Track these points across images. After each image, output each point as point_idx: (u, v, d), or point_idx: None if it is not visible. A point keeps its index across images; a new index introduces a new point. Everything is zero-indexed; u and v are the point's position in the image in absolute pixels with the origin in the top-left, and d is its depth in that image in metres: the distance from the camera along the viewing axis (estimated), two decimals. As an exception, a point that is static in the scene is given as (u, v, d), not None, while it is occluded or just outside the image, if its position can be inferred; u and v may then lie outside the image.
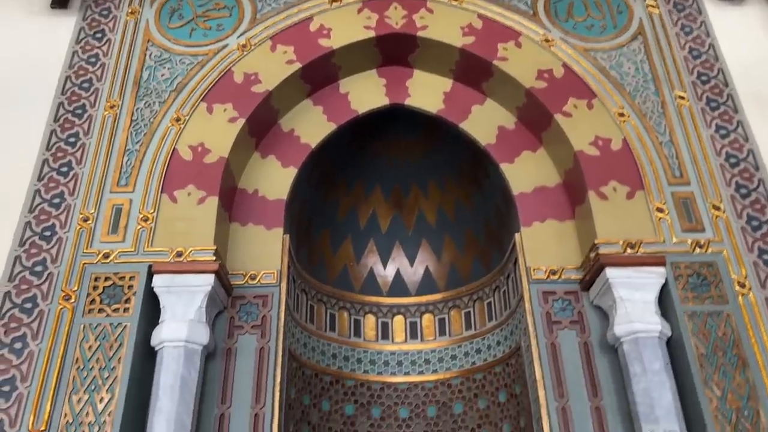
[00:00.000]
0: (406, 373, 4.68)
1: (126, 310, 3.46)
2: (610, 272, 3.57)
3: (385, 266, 5.08)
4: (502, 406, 4.25)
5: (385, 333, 4.84)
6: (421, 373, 4.67)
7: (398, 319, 4.89)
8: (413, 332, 4.83)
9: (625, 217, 3.77)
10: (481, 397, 4.40)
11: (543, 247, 3.98)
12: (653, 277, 3.58)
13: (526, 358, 3.90)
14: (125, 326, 3.41)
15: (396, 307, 4.92)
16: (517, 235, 4.06)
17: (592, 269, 3.68)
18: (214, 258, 3.63)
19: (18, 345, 3.33)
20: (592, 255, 3.69)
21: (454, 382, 4.56)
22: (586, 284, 3.79)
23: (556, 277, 3.88)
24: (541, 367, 3.63)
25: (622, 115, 4.14)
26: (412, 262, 5.06)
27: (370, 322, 4.86)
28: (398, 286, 5.01)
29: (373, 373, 4.67)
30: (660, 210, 3.81)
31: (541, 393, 3.57)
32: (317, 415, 4.32)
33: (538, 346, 3.69)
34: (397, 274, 5.05)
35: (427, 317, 4.86)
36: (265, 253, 4.03)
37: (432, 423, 4.51)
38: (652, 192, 3.87)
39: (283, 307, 3.88)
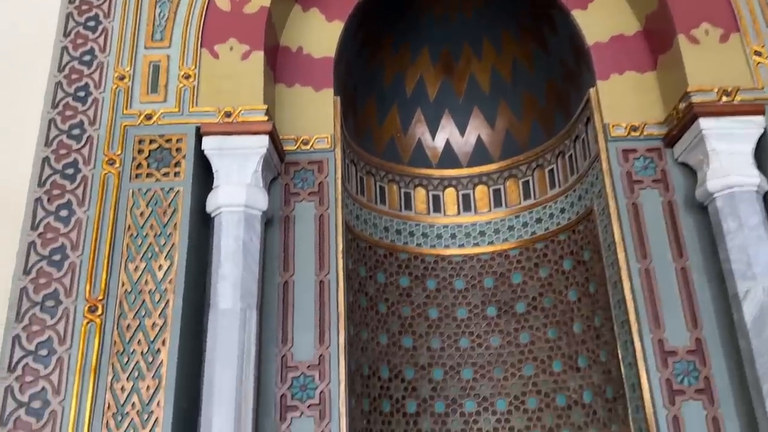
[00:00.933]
0: (461, 246, 4.49)
1: (177, 174, 3.19)
2: (704, 123, 3.24)
3: (433, 137, 4.74)
4: (567, 274, 4.07)
5: (436, 206, 4.59)
6: (476, 245, 4.47)
7: (450, 192, 4.63)
8: (466, 204, 4.59)
9: (719, 63, 3.38)
10: (543, 266, 4.22)
11: (622, 102, 3.63)
12: (751, 127, 3.26)
13: (600, 221, 3.66)
14: (178, 191, 3.15)
15: (447, 179, 4.65)
16: (591, 90, 3.69)
17: (681, 122, 3.35)
18: (266, 118, 3.31)
19: (64, 213, 3.09)
20: (682, 106, 3.35)
21: (512, 252, 4.37)
22: (671, 140, 3.47)
23: (637, 133, 3.56)
24: (621, 229, 3.39)
25: (713, -53, 3.64)
26: (462, 132, 4.73)
27: (420, 195, 4.60)
28: (448, 158, 4.71)
29: (426, 246, 4.47)
30: (758, 53, 3.42)
31: (620, 255, 3.36)
32: (374, 287, 4.16)
33: (617, 208, 3.43)
34: (447, 144, 4.73)
35: (480, 189, 4.59)
36: (316, 116, 3.71)
37: (489, 293, 4.36)
38: (748, 34, 3.45)
39: (339, 174, 3.61)
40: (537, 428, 3.97)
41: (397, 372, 4.11)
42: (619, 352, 3.44)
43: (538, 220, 4.28)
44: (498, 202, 4.51)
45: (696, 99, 3.28)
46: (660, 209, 3.42)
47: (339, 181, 3.57)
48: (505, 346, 4.22)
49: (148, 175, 3.18)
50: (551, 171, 4.27)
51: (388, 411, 3.96)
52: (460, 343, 4.29)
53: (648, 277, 3.29)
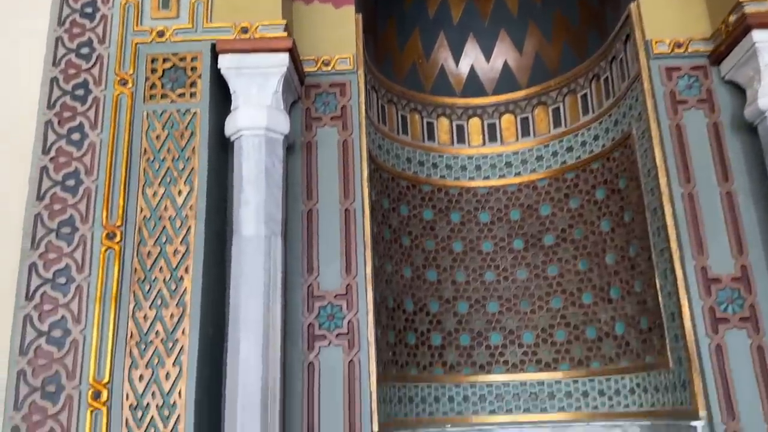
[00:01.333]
0: (486, 178, 4.31)
1: (193, 95, 3.00)
2: (757, 35, 3.00)
3: (457, 63, 4.50)
4: (600, 204, 3.90)
5: (460, 136, 4.40)
6: (502, 176, 4.30)
7: (474, 122, 4.42)
8: (491, 135, 4.39)
9: (775, -30, 3.12)
10: (573, 197, 4.05)
11: (665, 17, 3.38)
12: (809, 40, 3.02)
13: (639, 146, 3.46)
14: (194, 113, 2.97)
15: (471, 108, 4.43)
16: (632, 5, 3.44)
17: (731, 36, 3.11)
18: (285, 34, 3.09)
19: (76, 136, 2.92)
20: (732, 18, 3.10)
21: (540, 183, 4.19)
22: (719, 56, 3.24)
23: (681, 50, 3.33)
24: (663, 152, 3.21)
25: None
26: (488, 57, 4.48)
27: (443, 126, 4.40)
28: (473, 85, 4.48)
29: (450, 179, 4.30)
30: (818, -41, 3.14)
31: (662, 180, 3.19)
32: (397, 219, 4.01)
33: (659, 129, 3.24)
34: (472, 70, 4.49)
35: (506, 118, 4.38)
36: (336, 35, 3.50)
37: (516, 226, 4.20)
38: (809, -63, 3.17)
39: (363, 98, 3.42)
40: (565, 361, 3.88)
41: (422, 305, 4.01)
42: (657, 281, 3.30)
43: (569, 149, 4.09)
44: (526, 132, 4.30)
45: (749, 9, 3.03)
46: (705, 131, 3.23)
47: (363, 105, 3.39)
48: (532, 279, 4.10)
49: (163, 96, 2.99)
50: (584, 96, 4.05)
51: (413, 343, 3.88)
52: (486, 276, 4.17)
53: (691, 202, 3.13)
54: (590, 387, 3.74)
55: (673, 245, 3.10)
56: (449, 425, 3.77)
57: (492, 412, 3.87)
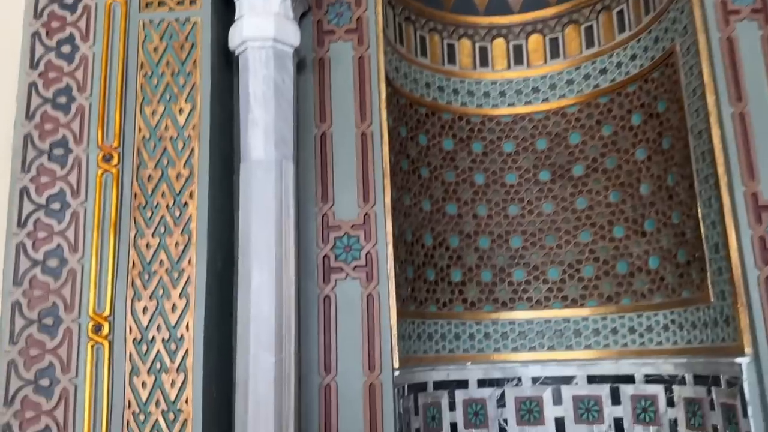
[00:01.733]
0: (510, 105, 4.01)
1: (192, 2, 2.73)
2: (830, -69, 2.65)
3: (481, -22, 4.13)
4: (635, 130, 3.61)
5: (483, 59, 4.07)
6: (528, 103, 3.99)
7: (498, 43, 4.08)
8: (517, 57, 4.05)
9: None
10: (606, 124, 3.75)
11: None
12: None
13: (684, 64, 3.15)
14: (195, 22, 2.69)
15: (495, 28, 4.08)
16: None
17: (797, -66, 2.76)
18: (294, -67, 2.77)
19: (66, 48, 2.66)
20: None
21: (570, 110, 3.89)
22: (780, -40, 2.90)
23: (737, -48, 2.98)
24: (712, 69, 2.91)
25: None
26: (514, -29, 4.11)
27: (465, 48, 4.07)
28: (497, 2, 4.10)
29: (471, 106, 4.00)
30: None
31: (710, 99, 2.90)
32: (415, 149, 3.75)
33: (708, 43, 2.93)
34: (496, -14, 4.12)
35: (534, 39, 4.04)
36: (349, -63, 3.15)
37: (542, 156, 3.93)
38: None
39: (380, 8, 3.12)
40: (593, 297, 3.68)
41: (442, 240, 3.79)
42: (698, 211, 3.05)
43: (603, 71, 3.77)
44: (555, 53, 3.97)
45: None
46: (759, 44, 2.92)
47: (380, 16, 3.09)
48: (559, 213, 3.85)
49: (160, 3, 2.71)
50: (620, 12, 3.70)
51: (433, 279, 3.68)
52: (509, 210, 3.93)
53: (742, 122, 2.84)
54: (620, 324, 3.55)
55: (720, 170, 2.83)
56: (469, 363, 3.60)
57: (514, 349, 3.71)
